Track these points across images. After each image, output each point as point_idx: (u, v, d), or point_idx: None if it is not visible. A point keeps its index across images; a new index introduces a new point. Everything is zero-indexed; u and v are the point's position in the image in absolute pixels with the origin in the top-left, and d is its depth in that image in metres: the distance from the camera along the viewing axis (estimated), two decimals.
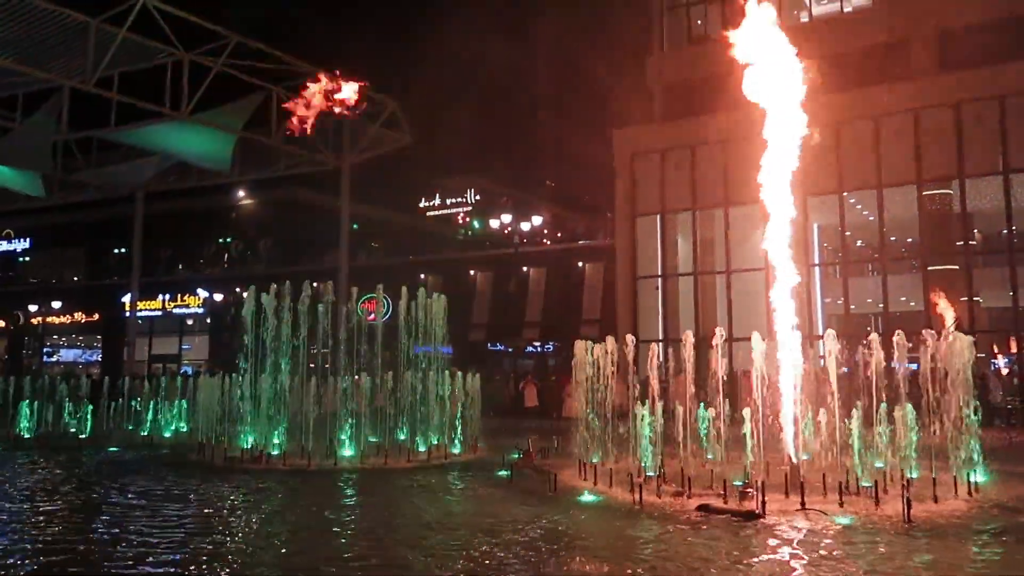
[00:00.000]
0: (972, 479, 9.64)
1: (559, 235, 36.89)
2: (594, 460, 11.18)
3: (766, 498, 8.39)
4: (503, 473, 11.74)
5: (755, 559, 6.90)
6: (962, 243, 23.37)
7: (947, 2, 23.87)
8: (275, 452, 13.56)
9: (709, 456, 11.91)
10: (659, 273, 27.04)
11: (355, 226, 35.09)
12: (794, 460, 10.22)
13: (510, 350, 33.96)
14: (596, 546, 7.53)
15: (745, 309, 24.79)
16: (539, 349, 34.45)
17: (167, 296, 41.11)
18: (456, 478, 12.00)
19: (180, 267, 43.04)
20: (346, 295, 15.67)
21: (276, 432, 13.95)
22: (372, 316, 34.43)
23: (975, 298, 23.50)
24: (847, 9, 26.63)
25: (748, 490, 8.73)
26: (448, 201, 52.79)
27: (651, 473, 10.11)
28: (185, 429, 19.04)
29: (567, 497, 9.79)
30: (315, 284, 14.48)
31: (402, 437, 14.99)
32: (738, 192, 25.22)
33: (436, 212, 52.58)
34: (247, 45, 24.41)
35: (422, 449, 14.20)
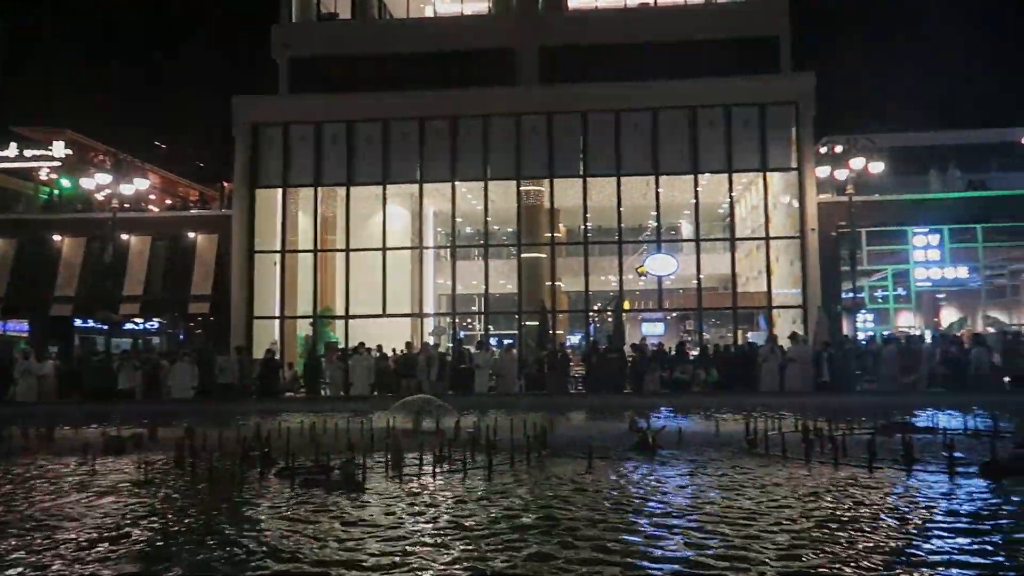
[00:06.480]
0: None
1: (168, 202, 33.74)
2: None
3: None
4: None
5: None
6: (550, 234, 26.91)
7: (547, 24, 27.19)
8: None
9: None
10: (279, 248, 26.40)
11: None
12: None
13: (104, 327, 30.15)
14: None
15: (364, 286, 25.48)
16: (141, 326, 31.17)
17: None
18: None
19: None
20: None
21: None
22: None
23: (557, 283, 27.27)
24: (467, 12, 28.81)
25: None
26: (28, 153, 44.85)
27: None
28: None
29: None
30: None
31: None
32: (361, 172, 25.75)
33: (11, 164, 44.36)
34: None
35: None
